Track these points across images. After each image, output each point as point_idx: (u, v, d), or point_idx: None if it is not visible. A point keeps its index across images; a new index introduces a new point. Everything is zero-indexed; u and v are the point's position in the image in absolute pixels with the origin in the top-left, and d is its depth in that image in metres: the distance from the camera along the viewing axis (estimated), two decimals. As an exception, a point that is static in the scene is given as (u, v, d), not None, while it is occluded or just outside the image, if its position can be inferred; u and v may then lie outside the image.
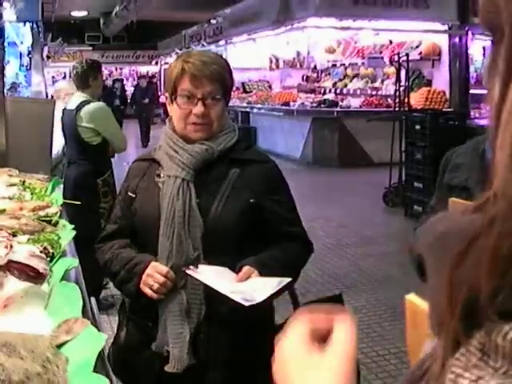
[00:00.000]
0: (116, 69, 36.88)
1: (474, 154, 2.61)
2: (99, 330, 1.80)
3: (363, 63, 18.28)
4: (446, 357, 0.55)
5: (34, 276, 2.17)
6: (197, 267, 2.54)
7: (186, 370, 2.60)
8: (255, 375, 2.67)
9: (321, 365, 0.74)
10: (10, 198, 3.38)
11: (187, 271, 2.52)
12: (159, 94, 27.75)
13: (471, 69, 15.31)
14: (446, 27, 15.85)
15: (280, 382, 0.77)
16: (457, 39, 15.46)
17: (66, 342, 1.68)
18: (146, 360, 2.69)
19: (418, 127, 10.59)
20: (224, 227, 2.60)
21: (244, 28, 20.35)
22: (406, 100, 11.40)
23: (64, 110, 6.42)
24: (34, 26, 11.40)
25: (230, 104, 3.01)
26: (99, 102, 6.59)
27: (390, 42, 17.73)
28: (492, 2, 0.55)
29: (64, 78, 32.35)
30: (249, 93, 22.26)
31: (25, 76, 12.01)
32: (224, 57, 3.43)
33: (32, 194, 3.62)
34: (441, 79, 15.96)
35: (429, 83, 16.30)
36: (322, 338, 0.80)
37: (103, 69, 7.05)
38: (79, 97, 6.36)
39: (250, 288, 2.43)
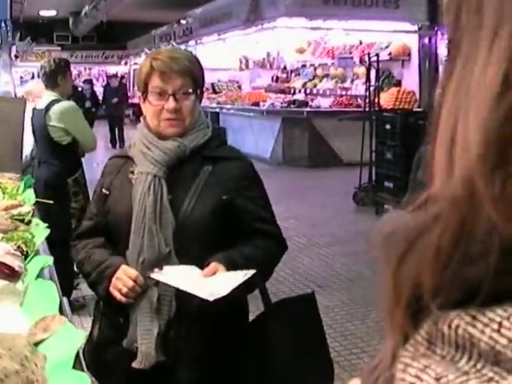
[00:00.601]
0: (85, 69, 36.67)
1: None
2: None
3: (333, 63, 18.34)
4: (397, 348, 0.56)
5: (9, 274, 2.15)
6: (161, 269, 2.53)
7: (156, 367, 2.60)
8: (226, 372, 2.68)
9: None
10: (-19, 197, 3.36)
11: (151, 275, 2.51)
12: (129, 94, 27.54)
13: (440, 69, 15.40)
14: (415, 27, 15.92)
15: None
16: (426, 39, 15.55)
17: (44, 339, 1.66)
18: (117, 357, 2.69)
19: (388, 127, 10.63)
20: (195, 224, 2.60)
21: (214, 28, 20.32)
22: (376, 100, 11.44)
23: (34, 109, 6.37)
24: (3, 25, 11.33)
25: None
26: (69, 101, 6.54)
27: (360, 42, 17.78)
28: None
29: (32, 77, 32.15)
30: (218, 93, 22.24)
31: (-8, 75, 11.93)
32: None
33: (4, 193, 3.59)
34: (410, 79, 16.04)
35: (398, 83, 16.37)
36: None
37: (72, 69, 6.98)
38: (48, 96, 6.30)
39: (215, 283, 2.43)
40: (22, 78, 31.65)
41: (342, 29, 17.10)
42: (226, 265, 2.53)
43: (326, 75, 19.06)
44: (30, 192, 3.82)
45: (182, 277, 2.49)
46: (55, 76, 6.32)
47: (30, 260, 2.41)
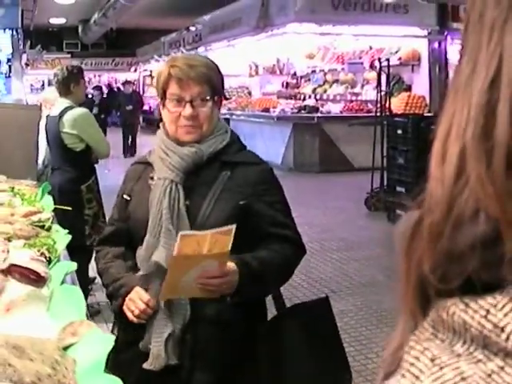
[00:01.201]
0: (94, 76, 36.77)
1: None
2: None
3: (343, 69, 18.34)
4: (406, 334, 0.60)
5: (35, 279, 2.16)
6: None
7: (172, 370, 2.61)
8: (241, 376, 2.69)
9: None
10: (0, 204, 3.37)
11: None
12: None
13: (450, 73, 15.37)
14: (425, 32, 15.92)
15: None
16: (436, 44, 15.55)
17: (72, 344, 1.68)
18: (132, 359, 2.70)
19: (399, 132, 10.64)
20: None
21: (223, 34, 20.36)
22: (387, 105, 11.44)
23: (47, 116, 6.39)
24: (14, 33, 11.35)
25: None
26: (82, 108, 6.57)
27: (370, 47, 17.77)
28: None
29: (42, 85, 32.30)
30: (228, 99, 22.24)
31: (4, 84, 11.96)
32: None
33: (22, 200, 3.61)
34: (420, 84, 16.03)
35: (408, 88, 16.37)
36: None
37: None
38: (62, 103, 6.33)
39: None
40: (32, 85, 31.79)
41: (351, 34, 17.13)
42: (238, 267, 2.54)
43: (336, 80, 19.06)
44: (48, 198, 3.84)
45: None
46: (68, 83, 6.34)
47: (53, 266, 2.43)
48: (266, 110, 18.42)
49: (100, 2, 23.71)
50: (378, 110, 11.46)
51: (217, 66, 2.83)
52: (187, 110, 2.65)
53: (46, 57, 31.29)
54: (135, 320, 2.60)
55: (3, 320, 1.84)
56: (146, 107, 27.37)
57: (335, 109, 17.34)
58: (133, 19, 25.03)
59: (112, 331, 2.90)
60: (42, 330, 1.76)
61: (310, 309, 3.00)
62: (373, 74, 14.83)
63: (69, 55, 34.01)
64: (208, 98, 2.69)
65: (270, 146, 17.02)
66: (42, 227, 3.06)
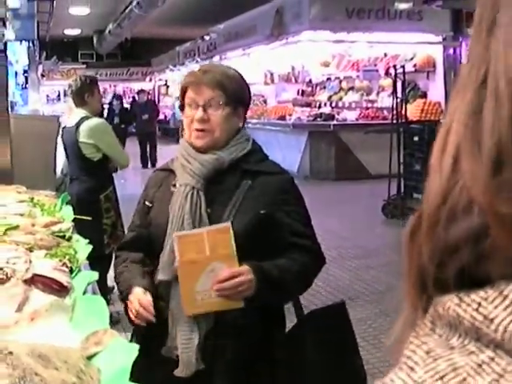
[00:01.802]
0: (110, 86, 36.91)
1: None
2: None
3: (358, 76, 18.32)
4: (406, 328, 0.61)
5: (58, 289, 2.18)
6: None
7: (193, 376, 2.62)
8: (257, 380, 2.70)
9: None
10: (21, 215, 3.39)
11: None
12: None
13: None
14: (439, 38, 15.93)
15: None
16: (451, 50, 15.54)
17: (96, 353, 1.69)
18: (155, 365, 2.70)
19: (416, 138, 10.64)
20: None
21: (238, 43, 20.41)
22: (403, 112, 11.42)
23: (63, 128, 6.41)
24: (30, 44, 11.43)
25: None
26: (99, 118, 6.60)
27: (385, 54, 17.77)
28: None
29: (58, 96, 32.45)
30: (245, 108, 22.21)
31: (20, 95, 12.02)
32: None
33: (42, 210, 3.63)
34: (436, 91, 16.01)
35: (424, 95, 16.35)
36: None
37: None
38: (78, 113, 6.35)
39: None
40: (48, 96, 31.91)
41: (365, 41, 17.12)
42: (255, 274, 2.54)
43: (352, 88, 19.01)
44: (68, 209, 3.86)
45: None
46: (82, 94, 6.36)
47: (75, 276, 2.44)
48: (282, 117, 18.41)
49: (115, 13, 23.84)
50: (394, 116, 11.43)
51: (240, 76, 2.87)
52: (198, 113, 2.69)
53: (62, 67, 31.51)
54: (136, 321, 2.63)
55: (27, 330, 1.85)
56: (161, 116, 27.47)
57: (351, 116, 17.30)
58: (147, 29, 25.13)
59: (131, 340, 2.90)
60: (64, 340, 1.77)
61: (327, 314, 3.00)
62: (388, 81, 14.85)
63: (84, 66, 34.19)
64: (221, 103, 2.71)
65: (285, 153, 17.01)
66: (63, 237, 3.08)
